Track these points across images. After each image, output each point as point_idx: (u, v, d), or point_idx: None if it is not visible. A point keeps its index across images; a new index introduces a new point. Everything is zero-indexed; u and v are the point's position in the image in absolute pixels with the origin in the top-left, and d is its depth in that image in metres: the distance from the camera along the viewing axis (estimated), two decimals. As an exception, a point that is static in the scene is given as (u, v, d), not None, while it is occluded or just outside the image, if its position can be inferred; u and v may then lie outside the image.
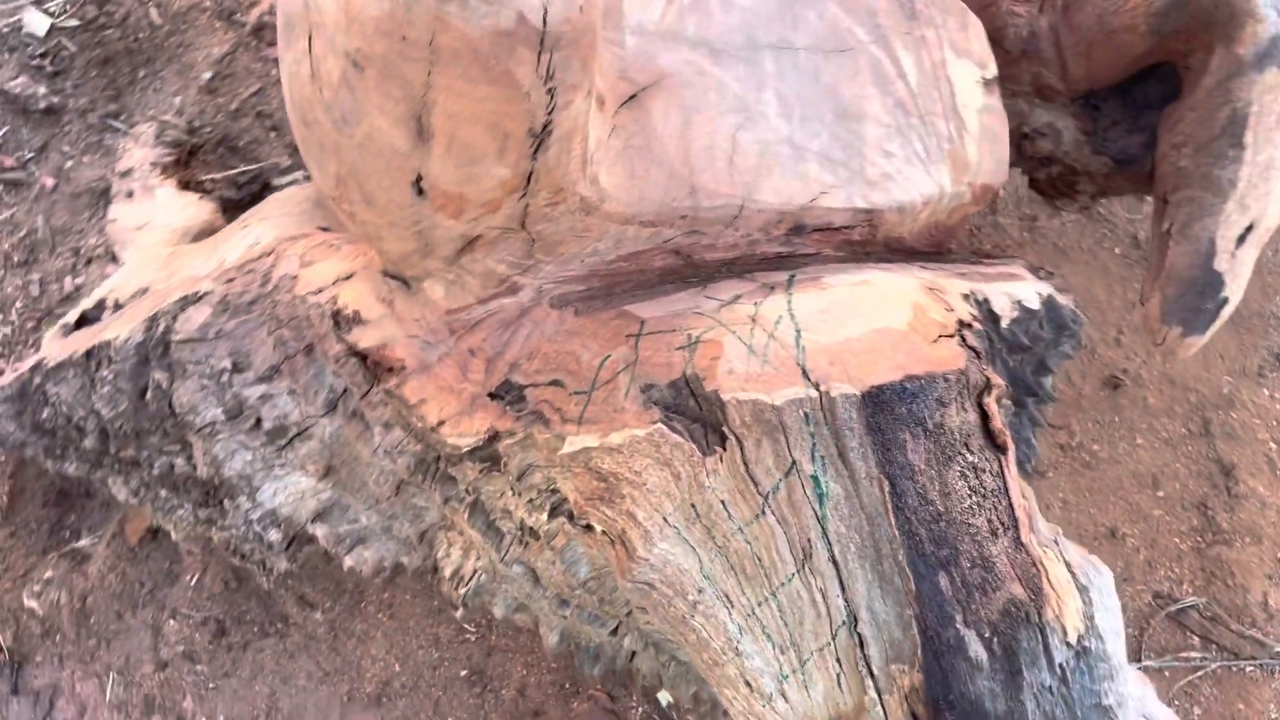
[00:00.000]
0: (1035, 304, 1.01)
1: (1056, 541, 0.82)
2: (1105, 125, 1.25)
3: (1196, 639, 1.59)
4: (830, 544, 0.77)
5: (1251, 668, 1.56)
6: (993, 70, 1.09)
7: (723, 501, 0.79)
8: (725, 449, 0.78)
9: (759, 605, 0.79)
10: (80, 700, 1.49)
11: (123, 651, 1.50)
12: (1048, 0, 1.17)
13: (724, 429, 0.79)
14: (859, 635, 0.77)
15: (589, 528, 0.91)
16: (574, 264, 0.89)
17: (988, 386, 0.84)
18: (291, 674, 1.51)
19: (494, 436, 0.91)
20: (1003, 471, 0.81)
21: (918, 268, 1.01)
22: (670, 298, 0.90)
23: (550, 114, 0.71)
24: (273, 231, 1.07)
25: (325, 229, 1.07)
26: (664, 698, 1.50)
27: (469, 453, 0.93)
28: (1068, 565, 0.80)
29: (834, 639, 0.77)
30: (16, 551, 1.52)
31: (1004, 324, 0.97)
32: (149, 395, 1.04)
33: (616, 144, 0.83)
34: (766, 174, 0.91)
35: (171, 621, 1.51)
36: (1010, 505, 0.79)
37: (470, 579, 1.09)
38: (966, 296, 0.95)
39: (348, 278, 0.97)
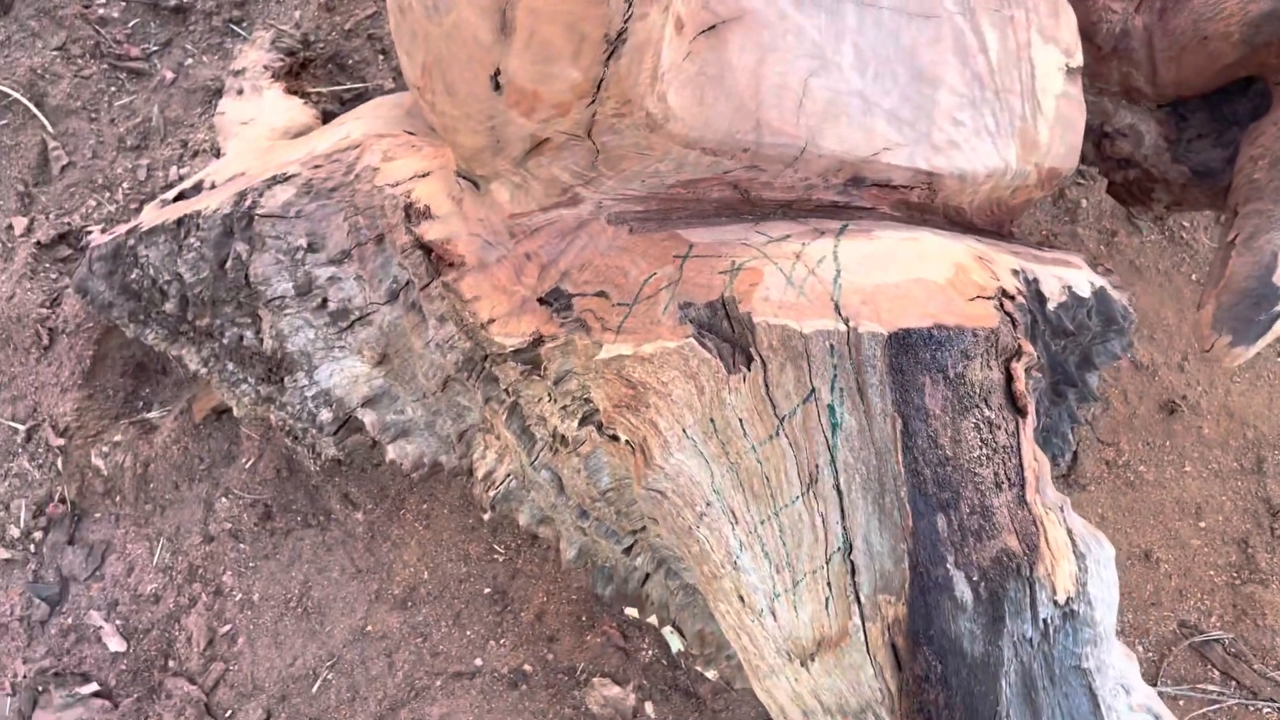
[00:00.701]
0: (1086, 292, 1.02)
1: (1062, 509, 0.83)
2: (1190, 135, 1.25)
3: (1217, 673, 1.57)
4: (837, 472, 0.80)
5: (1269, 709, 1.54)
6: (1078, 60, 1.10)
7: (740, 419, 0.82)
8: (750, 369, 0.82)
9: (761, 523, 0.83)
10: (129, 559, 1.58)
11: (175, 520, 1.59)
12: (1145, 0, 1.17)
13: (751, 350, 0.82)
14: (852, 563, 0.79)
15: (614, 438, 0.95)
16: (634, 183, 0.92)
17: (1018, 352, 0.86)
18: (326, 566, 1.58)
19: (538, 340, 0.96)
20: (1018, 432, 0.83)
21: (973, 239, 1.03)
22: (722, 228, 0.93)
23: (626, 22, 0.75)
24: (363, 128, 1.13)
25: (411, 133, 1.12)
26: (673, 643, 1.54)
27: (513, 353, 0.98)
28: (1069, 531, 0.81)
29: (828, 563, 0.80)
30: (91, 413, 1.62)
31: (1050, 306, 0.98)
32: (229, 264, 1.11)
33: (690, 69, 0.86)
34: (833, 122, 0.93)
35: (223, 500, 1.60)
36: (1020, 464, 0.81)
37: (501, 483, 1.13)
38: (1016, 272, 0.97)
39: (424, 175, 1.03)
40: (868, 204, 0.99)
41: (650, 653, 1.56)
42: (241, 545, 1.59)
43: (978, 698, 0.75)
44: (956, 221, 1.06)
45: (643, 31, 0.77)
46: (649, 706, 1.54)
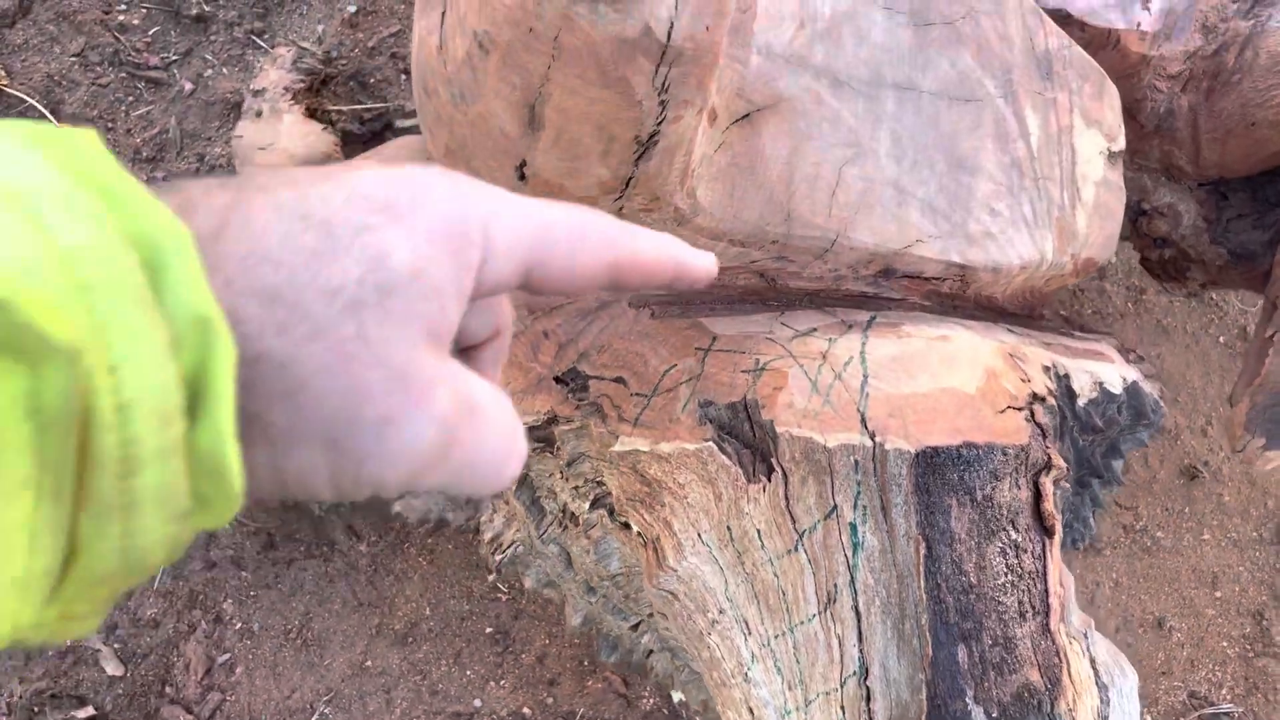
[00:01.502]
0: (1118, 388, 0.99)
1: (1086, 635, 0.81)
2: (1229, 216, 1.21)
3: (1226, 747, 1.55)
4: (856, 593, 0.77)
5: (1277, 788, 1.52)
6: (1120, 144, 1.06)
7: (758, 530, 0.80)
8: (770, 480, 0.79)
9: (775, 638, 0.80)
10: (130, 582, 1.56)
11: (177, 544, 1.58)
12: (1193, 80, 1.13)
13: (773, 460, 0.79)
14: (868, 688, 0.77)
15: (626, 525, 0.92)
16: (659, 269, 0.90)
17: (1047, 466, 0.83)
18: (328, 597, 1.57)
19: (552, 419, 0.93)
20: (1045, 554, 0.80)
21: (1003, 329, 1.00)
22: (747, 317, 0.90)
23: (659, 125, 0.72)
24: (381, 180, 1.10)
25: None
26: (676, 695, 1.52)
27: (526, 430, 0.95)
28: (1092, 661, 0.79)
29: (842, 686, 0.78)
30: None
31: (1080, 402, 0.95)
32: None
33: (721, 160, 0.83)
34: (866, 213, 0.90)
35: (226, 526, 1.58)
36: (1046, 590, 0.79)
37: (508, 547, 1.11)
38: (1047, 369, 0.94)
39: (442, 240, 1.00)
40: (897, 295, 0.96)
41: (651, 701, 1.55)
42: (243, 573, 1.57)
43: (991, 836, 0.73)
44: (987, 307, 1.03)
45: (675, 134, 0.74)
46: (647, 756, 1.53)
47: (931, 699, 0.74)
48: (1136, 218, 1.23)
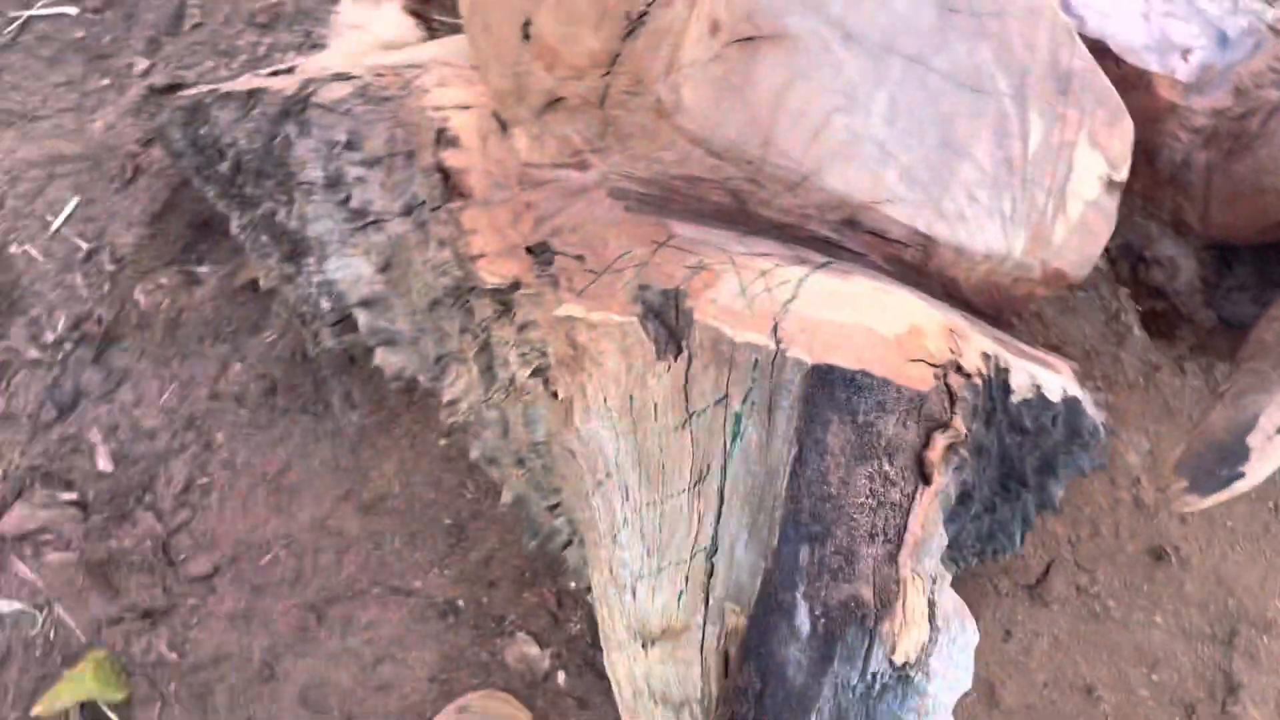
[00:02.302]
0: (1055, 397, 1.03)
1: (935, 580, 0.85)
2: (1231, 286, 1.23)
3: (1123, 826, 1.54)
4: (725, 478, 0.83)
5: None
6: (1123, 175, 1.10)
7: (656, 404, 0.86)
8: (676, 360, 0.85)
9: (647, 505, 0.86)
10: (140, 392, 1.68)
11: (190, 370, 1.69)
12: (1215, 138, 1.15)
13: (684, 343, 0.85)
14: (713, 564, 0.82)
15: (555, 394, 0.99)
16: (640, 165, 0.96)
17: (943, 425, 0.88)
18: (310, 453, 1.66)
19: (515, 284, 1.01)
20: (915, 496, 0.84)
21: (960, 315, 1.04)
22: (711, 230, 0.97)
23: (649, 6, 0.79)
24: (434, 52, 1.19)
25: (475, 68, 1.18)
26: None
27: (492, 291, 1.03)
28: (932, 603, 0.83)
29: (691, 559, 0.83)
30: (148, 251, 1.73)
31: (1014, 399, 0.99)
32: (278, 142, 1.19)
33: (715, 70, 0.90)
34: (844, 161, 0.96)
35: (237, 365, 1.69)
36: (904, 525, 0.83)
37: (461, 413, 1.19)
38: (986, 356, 0.98)
39: (466, 108, 1.08)
40: (860, 249, 1.01)
41: (578, 627, 1.60)
42: (241, 410, 1.67)
43: (787, 725, 0.78)
44: (951, 295, 1.07)
45: (664, 19, 0.81)
46: (561, 676, 1.58)
47: (765, 584, 0.79)
48: (1136, 264, 1.25)
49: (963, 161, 1.01)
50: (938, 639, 0.81)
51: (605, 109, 0.90)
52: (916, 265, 1.03)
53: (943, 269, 1.04)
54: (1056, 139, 1.06)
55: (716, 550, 0.82)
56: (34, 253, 1.73)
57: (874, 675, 0.79)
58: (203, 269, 1.74)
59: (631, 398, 0.87)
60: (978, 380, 0.94)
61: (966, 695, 0.93)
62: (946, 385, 0.89)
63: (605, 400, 0.89)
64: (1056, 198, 1.06)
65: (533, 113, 0.94)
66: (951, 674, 0.83)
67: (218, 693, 1.56)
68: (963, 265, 1.03)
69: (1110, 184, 1.10)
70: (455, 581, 1.62)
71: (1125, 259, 1.25)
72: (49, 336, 1.70)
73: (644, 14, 0.79)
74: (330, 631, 1.59)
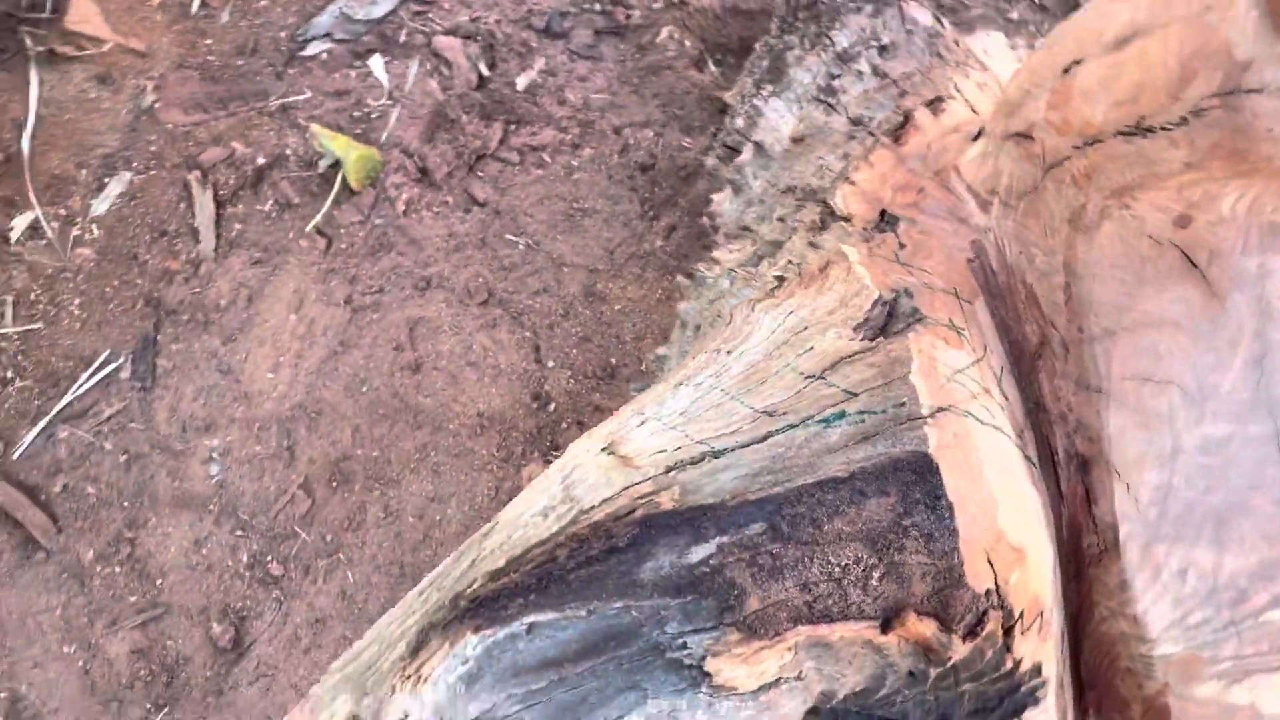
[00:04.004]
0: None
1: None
2: None
3: None
4: (777, 434, 0.83)
5: None
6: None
7: (811, 349, 0.87)
8: (859, 340, 0.85)
9: (724, 394, 0.88)
10: (568, 77, 1.87)
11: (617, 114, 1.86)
12: None
13: (877, 342, 0.85)
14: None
15: (773, 291, 1.02)
16: (1013, 246, 0.96)
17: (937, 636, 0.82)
18: (608, 205, 1.78)
19: (848, 218, 1.04)
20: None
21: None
22: (989, 336, 0.95)
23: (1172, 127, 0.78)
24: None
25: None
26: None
27: (830, 210, 1.07)
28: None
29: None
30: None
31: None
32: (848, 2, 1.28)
33: (1135, 252, 0.87)
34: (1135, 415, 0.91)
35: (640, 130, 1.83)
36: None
37: (712, 270, 1.24)
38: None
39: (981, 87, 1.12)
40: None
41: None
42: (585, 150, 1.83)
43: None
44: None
45: (1161, 162, 0.80)
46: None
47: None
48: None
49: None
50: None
51: (1044, 177, 0.89)
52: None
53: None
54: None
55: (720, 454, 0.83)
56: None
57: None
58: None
59: (805, 328, 0.88)
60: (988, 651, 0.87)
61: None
62: (979, 616, 0.83)
63: (790, 313, 0.90)
64: None
65: (1003, 135, 0.95)
66: None
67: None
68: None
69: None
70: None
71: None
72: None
73: (1148, 130, 0.78)
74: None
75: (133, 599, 1.53)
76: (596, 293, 1.72)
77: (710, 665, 0.77)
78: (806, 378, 0.85)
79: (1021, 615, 0.88)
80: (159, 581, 1.55)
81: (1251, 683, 0.93)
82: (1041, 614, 0.90)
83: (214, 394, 1.64)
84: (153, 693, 1.49)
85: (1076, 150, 0.86)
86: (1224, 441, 0.91)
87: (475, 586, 0.81)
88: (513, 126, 1.82)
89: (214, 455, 1.61)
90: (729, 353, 0.91)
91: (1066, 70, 0.87)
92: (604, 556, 0.80)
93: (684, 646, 0.77)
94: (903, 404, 0.82)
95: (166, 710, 1.49)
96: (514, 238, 1.74)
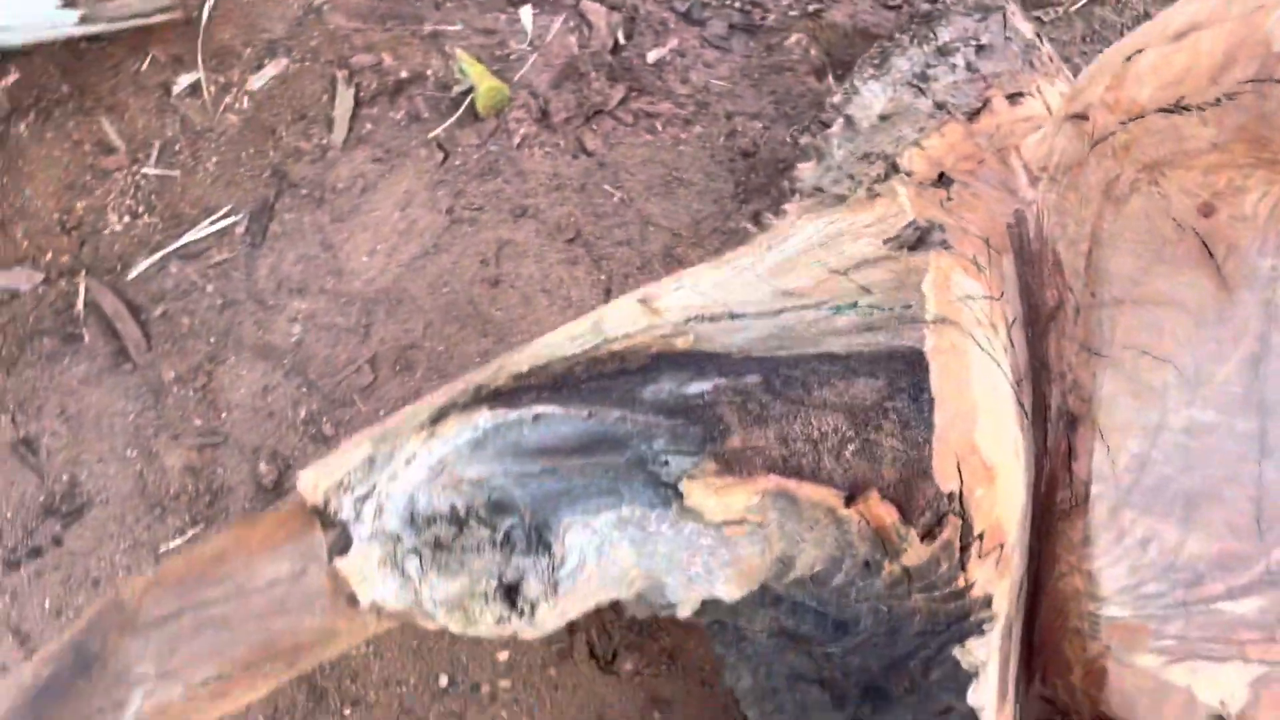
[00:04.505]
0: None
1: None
2: None
3: None
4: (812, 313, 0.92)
5: None
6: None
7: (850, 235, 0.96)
8: (882, 223, 0.94)
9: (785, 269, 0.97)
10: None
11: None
12: None
13: (901, 238, 0.94)
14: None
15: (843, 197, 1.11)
16: (1050, 219, 1.04)
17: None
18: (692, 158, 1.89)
19: (908, 174, 1.13)
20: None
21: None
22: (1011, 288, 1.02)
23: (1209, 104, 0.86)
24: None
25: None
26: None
27: (894, 165, 1.16)
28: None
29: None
30: None
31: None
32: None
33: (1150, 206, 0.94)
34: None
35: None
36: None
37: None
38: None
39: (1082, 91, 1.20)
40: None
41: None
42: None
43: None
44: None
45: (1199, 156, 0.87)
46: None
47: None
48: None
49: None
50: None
51: (1089, 151, 0.97)
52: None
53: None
54: None
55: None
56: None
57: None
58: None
59: (841, 235, 0.97)
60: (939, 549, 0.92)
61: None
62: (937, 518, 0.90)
63: (830, 223, 1.00)
64: None
65: (1064, 117, 1.03)
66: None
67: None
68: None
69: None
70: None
71: None
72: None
73: (1184, 108, 0.85)
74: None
75: (198, 423, 1.67)
76: (675, 256, 1.82)
77: (685, 487, 0.86)
78: (831, 271, 0.94)
79: (981, 537, 0.94)
80: (224, 415, 1.68)
81: (1192, 666, 0.97)
82: (1002, 547, 0.96)
83: (312, 263, 1.79)
84: (194, 509, 1.62)
85: (1121, 126, 0.94)
86: (1209, 428, 0.97)
87: (498, 382, 0.91)
88: (634, 93, 1.95)
89: (298, 317, 1.75)
90: (769, 248, 1.00)
91: (1129, 59, 0.95)
92: (614, 375, 0.89)
93: (665, 464, 0.86)
94: (909, 306, 0.90)
95: (201, 527, 1.62)
96: (611, 189, 1.86)
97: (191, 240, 1.81)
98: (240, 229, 1.82)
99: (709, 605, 0.94)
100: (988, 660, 0.98)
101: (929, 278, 0.91)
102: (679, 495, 0.86)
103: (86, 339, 1.74)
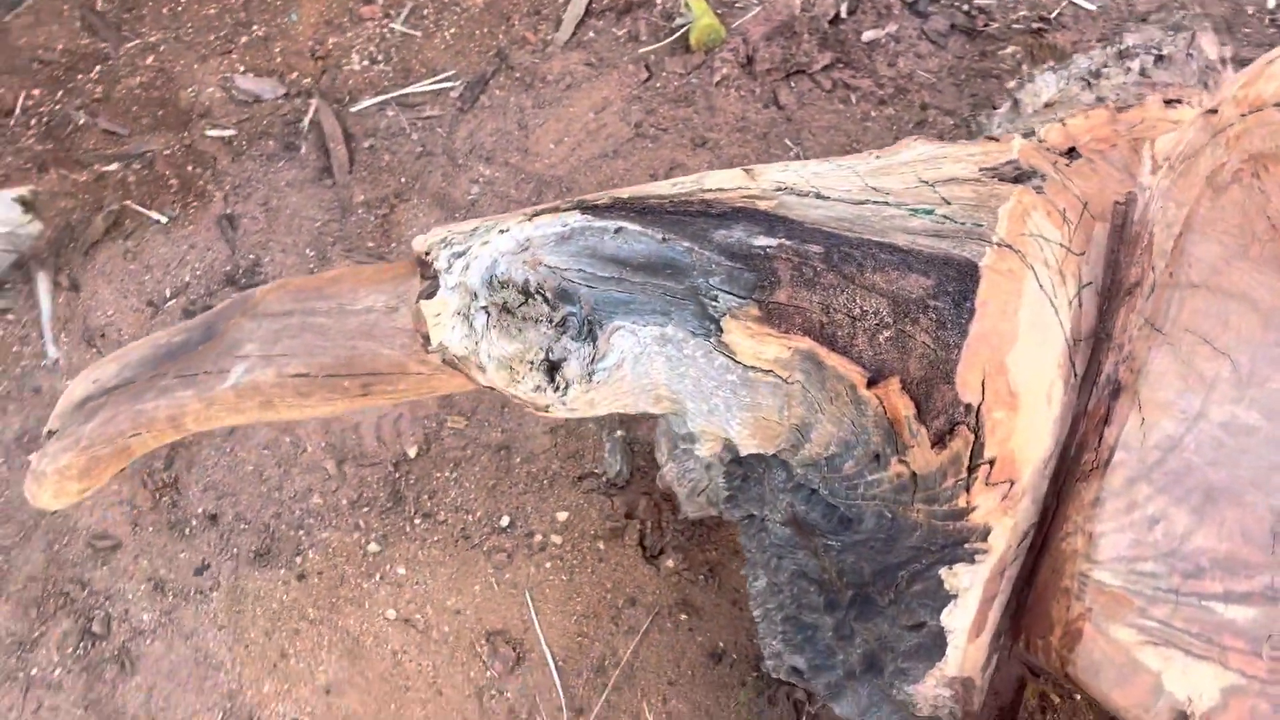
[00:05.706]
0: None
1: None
2: None
3: None
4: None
5: None
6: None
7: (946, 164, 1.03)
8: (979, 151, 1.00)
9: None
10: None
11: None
12: None
13: (995, 177, 1.00)
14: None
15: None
16: (1154, 205, 1.06)
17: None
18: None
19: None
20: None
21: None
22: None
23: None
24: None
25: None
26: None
27: (1029, 135, 1.21)
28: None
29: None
30: None
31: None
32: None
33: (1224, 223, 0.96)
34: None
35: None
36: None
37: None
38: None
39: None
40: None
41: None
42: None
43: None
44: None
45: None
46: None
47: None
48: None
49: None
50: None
51: (1209, 140, 1.00)
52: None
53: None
54: None
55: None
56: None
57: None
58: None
59: (944, 157, 1.04)
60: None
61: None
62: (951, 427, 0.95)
63: (938, 148, 1.06)
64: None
65: (1202, 109, 1.06)
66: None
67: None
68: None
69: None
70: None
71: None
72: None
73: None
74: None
75: (370, 244, 1.87)
76: (833, 219, 1.90)
77: (725, 323, 0.95)
78: (921, 181, 1.01)
79: (992, 464, 0.99)
80: (393, 245, 1.88)
81: (1168, 654, 0.99)
82: (1012, 484, 1.00)
83: (505, 138, 1.96)
84: (344, 314, 1.82)
85: (1241, 118, 0.97)
86: (1249, 430, 0.98)
87: (600, 201, 1.03)
88: (839, 63, 2.03)
89: (480, 180, 1.93)
90: (877, 156, 1.08)
91: (1271, 60, 0.98)
92: (696, 214, 0.99)
93: (714, 299, 0.96)
94: (980, 225, 0.96)
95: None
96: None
97: (412, 92, 2.02)
98: (455, 93, 2.02)
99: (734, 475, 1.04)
100: (971, 588, 1.03)
101: (1007, 205, 0.96)
102: (719, 330, 0.96)
103: (302, 150, 1.98)
